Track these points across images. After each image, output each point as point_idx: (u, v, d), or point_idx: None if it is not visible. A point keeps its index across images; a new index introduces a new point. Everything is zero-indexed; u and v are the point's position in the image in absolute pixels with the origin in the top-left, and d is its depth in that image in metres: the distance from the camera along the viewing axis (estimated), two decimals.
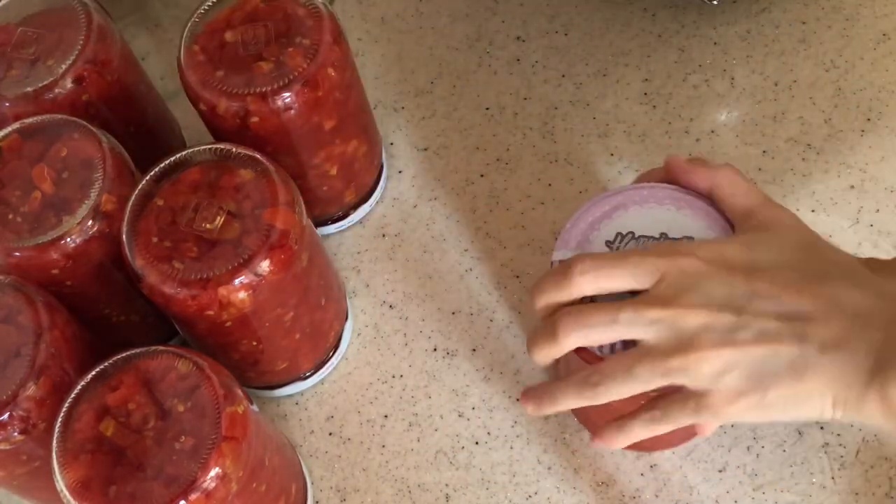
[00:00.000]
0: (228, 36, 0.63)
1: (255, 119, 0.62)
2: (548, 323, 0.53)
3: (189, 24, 0.64)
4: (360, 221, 0.77)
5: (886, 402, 0.47)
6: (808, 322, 0.48)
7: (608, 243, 0.56)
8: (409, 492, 0.67)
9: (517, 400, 0.69)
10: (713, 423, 0.51)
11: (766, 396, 0.49)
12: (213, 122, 0.64)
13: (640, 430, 0.53)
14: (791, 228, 0.53)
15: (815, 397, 0.48)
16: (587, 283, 0.52)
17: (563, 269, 0.53)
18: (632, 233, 0.56)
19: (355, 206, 0.76)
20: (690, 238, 0.55)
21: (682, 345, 0.49)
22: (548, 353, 0.54)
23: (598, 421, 0.65)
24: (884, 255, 0.70)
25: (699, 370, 0.49)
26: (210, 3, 0.65)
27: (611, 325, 0.51)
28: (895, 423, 0.47)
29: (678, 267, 0.51)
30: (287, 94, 0.62)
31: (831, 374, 0.48)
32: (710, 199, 0.56)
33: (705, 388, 0.50)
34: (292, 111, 0.62)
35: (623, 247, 0.56)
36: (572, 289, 0.52)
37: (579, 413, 0.67)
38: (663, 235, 0.56)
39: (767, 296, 0.49)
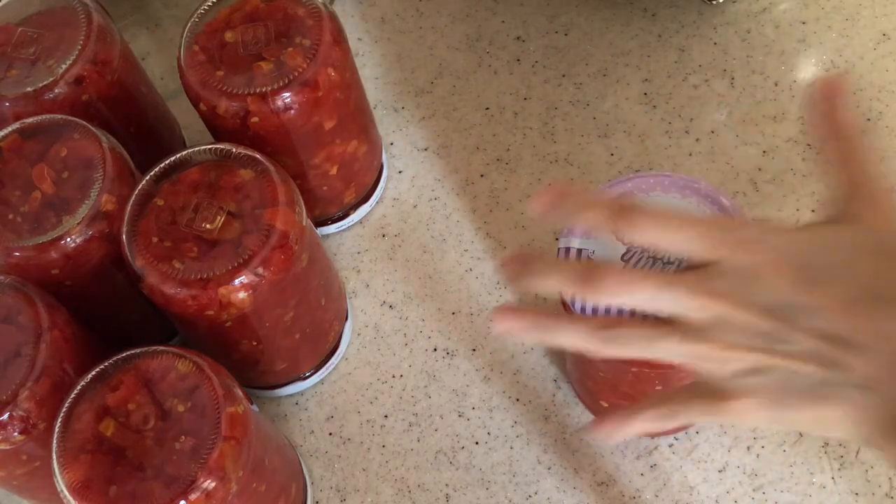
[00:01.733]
0: (228, 36, 0.63)
1: (255, 119, 0.62)
2: (590, 269, 0.47)
3: (189, 24, 0.64)
4: (361, 221, 0.77)
5: None
6: (849, 350, 0.44)
7: None
8: (409, 492, 0.67)
9: (517, 400, 0.69)
10: (726, 423, 0.49)
11: (784, 413, 0.46)
12: (213, 123, 0.64)
13: (648, 426, 0.50)
14: (879, 228, 0.47)
15: (836, 425, 0.46)
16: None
17: (589, 273, 0.47)
18: None
19: (355, 207, 0.76)
20: None
21: (717, 337, 0.46)
22: (560, 286, 0.48)
23: (599, 399, 0.64)
24: None
25: (725, 366, 0.46)
26: (210, 3, 0.65)
27: (654, 298, 0.46)
28: None
29: (740, 256, 0.46)
30: (287, 95, 0.62)
31: (855, 410, 0.45)
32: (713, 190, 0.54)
33: (724, 389, 0.47)
34: (292, 111, 0.62)
35: None
36: (599, 293, 0.47)
37: (582, 385, 0.67)
38: None
39: (818, 311, 0.45)
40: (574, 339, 0.48)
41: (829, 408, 0.45)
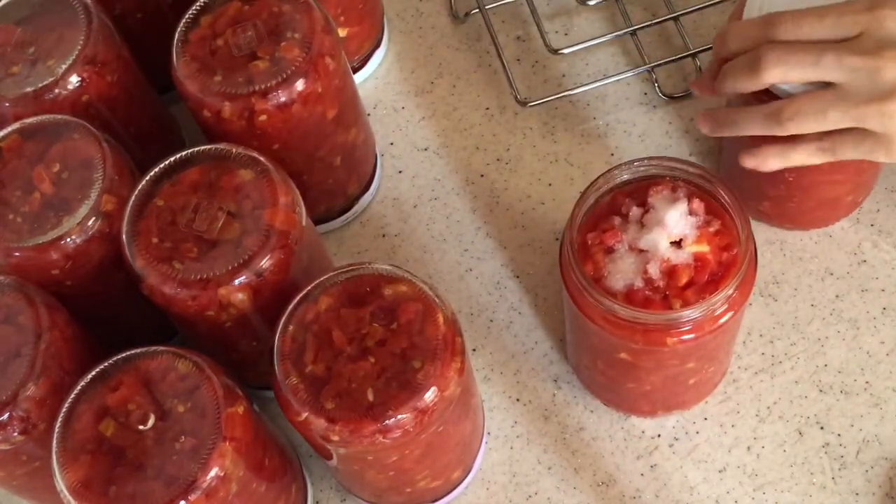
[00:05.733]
0: (220, 41, 0.63)
1: (262, 117, 0.62)
2: (751, 55, 0.56)
3: (177, 36, 0.64)
4: (361, 221, 0.77)
5: None
6: None
7: None
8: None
9: (517, 400, 0.69)
10: (880, 161, 0.57)
11: None
12: (217, 128, 0.63)
13: (804, 158, 0.57)
14: None
15: None
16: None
17: (752, 60, 0.56)
18: None
19: (358, 197, 0.76)
20: None
21: (880, 94, 0.53)
22: (744, 84, 0.57)
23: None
24: (884, 255, 0.70)
25: (893, 119, 0.53)
26: (192, 14, 0.65)
27: (813, 65, 0.54)
28: None
29: (880, 21, 0.53)
30: (290, 88, 0.62)
31: None
32: None
33: (887, 134, 0.54)
34: (297, 104, 0.63)
35: None
36: (762, 77, 0.56)
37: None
38: None
39: None
40: (755, 128, 0.57)
41: None
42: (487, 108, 0.80)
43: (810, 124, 0.55)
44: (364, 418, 0.53)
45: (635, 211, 0.58)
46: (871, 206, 0.72)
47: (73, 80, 0.64)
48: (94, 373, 0.55)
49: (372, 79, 0.83)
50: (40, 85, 0.64)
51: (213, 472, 0.52)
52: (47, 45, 0.65)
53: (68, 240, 0.59)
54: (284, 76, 0.62)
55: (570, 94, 0.78)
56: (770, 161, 0.58)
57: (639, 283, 0.56)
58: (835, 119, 0.54)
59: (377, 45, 0.82)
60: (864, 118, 0.54)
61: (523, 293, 0.73)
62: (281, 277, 0.58)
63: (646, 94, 0.79)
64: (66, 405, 0.54)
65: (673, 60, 0.78)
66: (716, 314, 0.56)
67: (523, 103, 0.78)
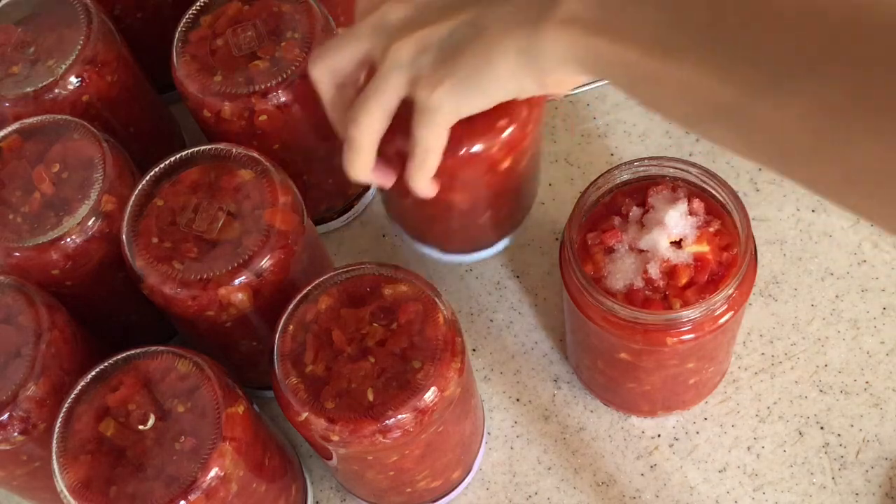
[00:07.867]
0: (219, 41, 0.64)
1: (262, 117, 0.62)
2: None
3: (177, 36, 0.64)
4: (361, 221, 0.77)
5: (562, 26, 0.46)
6: None
7: None
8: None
9: (517, 400, 0.69)
10: (423, 116, 0.52)
11: (458, 67, 0.50)
12: (217, 128, 0.64)
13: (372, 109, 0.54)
14: None
15: (500, 54, 0.48)
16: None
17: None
18: None
19: (358, 197, 0.76)
20: None
21: (388, 39, 0.51)
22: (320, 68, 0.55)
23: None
24: (884, 255, 0.70)
25: (399, 57, 0.51)
26: (192, 14, 0.65)
27: (348, 44, 0.53)
28: (576, 49, 0.46)
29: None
30: (290, 88, 0.62)
31: (505, 23, 0.48)
32: None
33: (413, 76, 0.51)
34: (297, 104, 0.63)
35: None
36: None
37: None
38: None
39: None
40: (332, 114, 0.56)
41: (488, 37, 0.49)
42: None
43: (374, 100, 0.54)
44: (364, 418, 0.53)
45: (635, 211, 0.58)
46: None
47: (73, 80, 0.64)
48: (94, 373, 0.55)
49: None
50: (40, 85, 0.64)
51: (213, 472, 0.52)
52: (47, 45, 0.65)
53: (68, 240, 0.59)
54: (284, 76, 0.62)
55: (570, 94, 0.78)
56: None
57: (639, 283, 0.56)
58: (380, 88, 0.53)
59: None
60: (385, 74, 0.52)
61: (523, 293, 0.73)
62: (281, 277, 0.58)
63: None
64: (66, 405, 0.54)
65: None
66: (716, 314, 0.56)
67: None
